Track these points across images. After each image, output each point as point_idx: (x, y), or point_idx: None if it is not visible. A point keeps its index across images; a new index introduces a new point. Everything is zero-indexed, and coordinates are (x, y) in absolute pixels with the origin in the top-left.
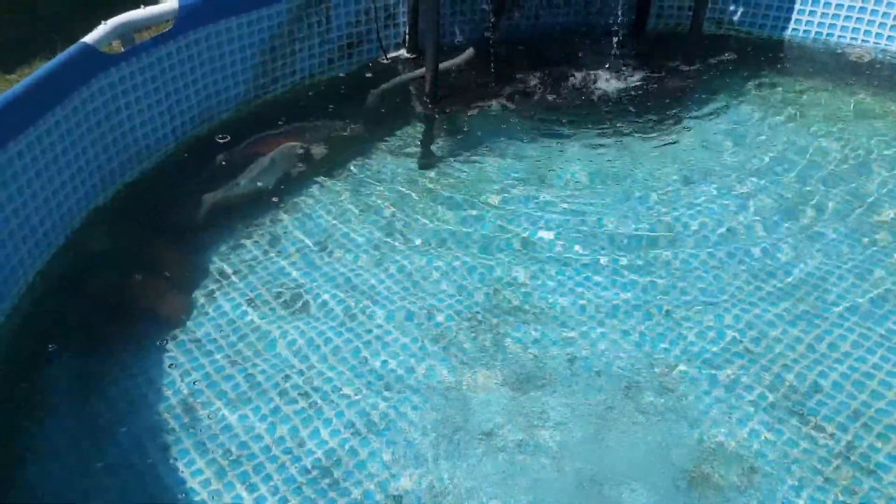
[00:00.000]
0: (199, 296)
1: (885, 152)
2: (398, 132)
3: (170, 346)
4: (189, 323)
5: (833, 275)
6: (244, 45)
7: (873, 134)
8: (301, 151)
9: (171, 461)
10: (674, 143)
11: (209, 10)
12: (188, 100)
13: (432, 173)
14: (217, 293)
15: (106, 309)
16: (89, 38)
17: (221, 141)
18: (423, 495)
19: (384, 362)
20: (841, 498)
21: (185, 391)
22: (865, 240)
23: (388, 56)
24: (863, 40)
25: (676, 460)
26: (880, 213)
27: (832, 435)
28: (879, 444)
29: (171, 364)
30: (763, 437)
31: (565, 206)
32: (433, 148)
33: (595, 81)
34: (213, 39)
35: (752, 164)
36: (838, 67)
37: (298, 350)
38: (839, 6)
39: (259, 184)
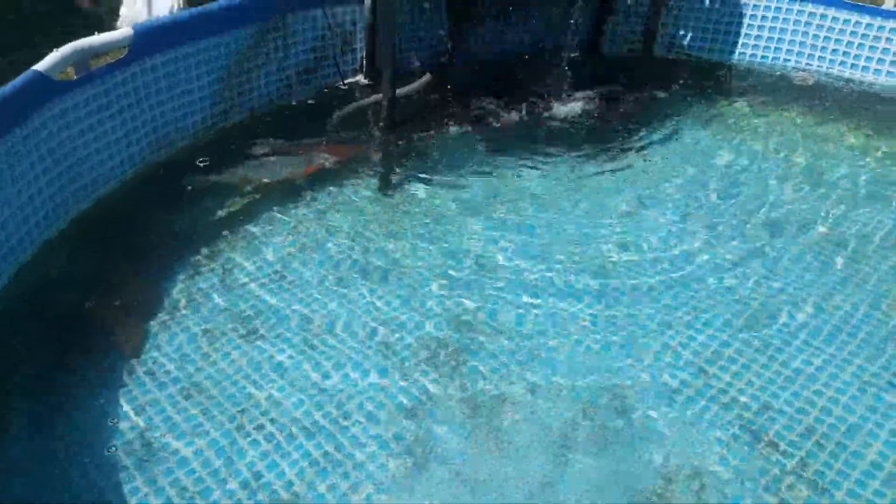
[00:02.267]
0: (155, 326)
1: (833, 173)
2: (356, 158)
3: (125, 378)
4: (144, 354)
5: (784, 294)
6: (201, 71)
7: (820, 155)
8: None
9: (124, 498)
10: (628, 164)
11: (165, 36)
12: (144, 127)
13: (390, 198)
14: (173, 323)
15: (59, 341)
16: (41, 66)
17: (203, 164)
18: None
19: (342, 391)
20: None
21: (141, 424)
22: (816, 260)
23: (346, 82)
24: (807, 64)
25: (634, 482)
26: (831, 233)
27: (785, 452)
28: (832, 461)
29: (126, 397)
30: (719, 457)
31: (522, 228)
32: (391, 172)
33: (550, 105)
34: (169, 66)
35: (703, 185)
36: (784, 91)
37: (255, 381)
38: (783, 31)
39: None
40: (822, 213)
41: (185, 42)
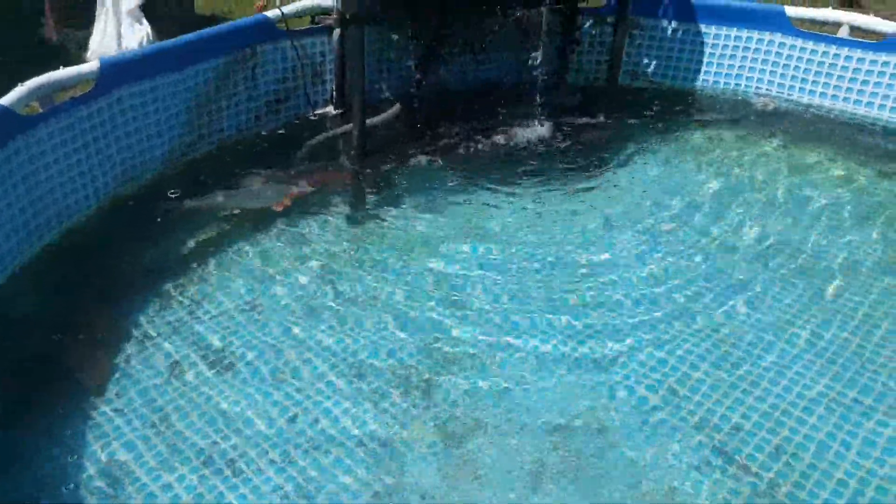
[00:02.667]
0: (122, 360)
1: (795, 195)
2: (327, 188)
3: (92, 413)
4: (112, 388)
5: (750, 316)
6: (169, 104)
7: (783, 178)
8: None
9: None
10: (595, 192)
11: (132, 69)
12: (111, 160)
13: (360, 229)
14: (141, 357)
15: (24, 376)
16: (5, 100)
17: (173, 196)
18: None
19: (314, 423)
20: None
21: (106, 461)
22: (781, 281)
23: (316, 112)
24: (766, 90)
25: None
26: (793, 254)
27: (756, 474)
28: (802, 481)
29: (94, 433)
30: (691, 480)
31: (493, 257)
32: (361, 203)
33: (519, 134)
34: (136, 99)
35: (670, 210)
36: (745, 116)
37: (225, 413)
38: (744, 58)
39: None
40: (787, 234)
41: (152, 75)
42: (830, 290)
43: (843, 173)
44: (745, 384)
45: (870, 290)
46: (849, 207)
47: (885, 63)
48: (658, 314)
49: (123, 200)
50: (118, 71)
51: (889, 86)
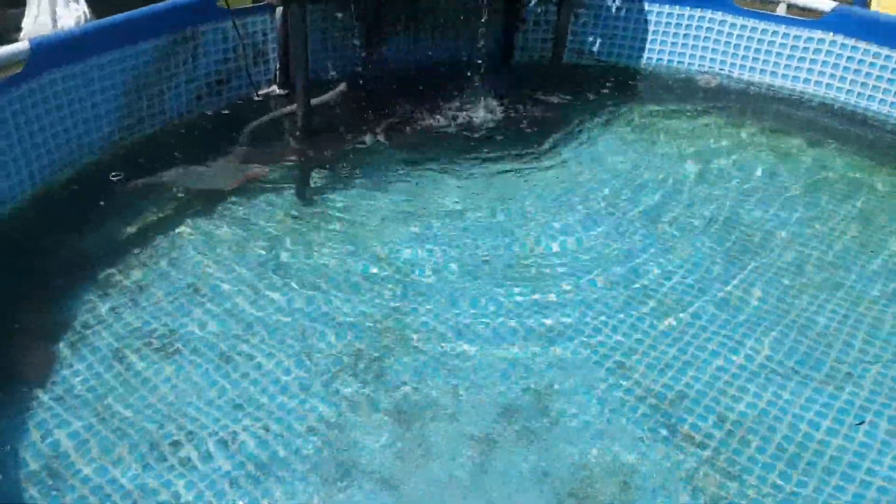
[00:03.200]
0: (63, 348)
1: (735, 168)
2: (273, 168)
3: (32, 404)
4: (53, 378)
5: (693, 288)
6: (105, 85)
7: (723, 152)
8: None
9: None
10: (541, 168)
11: (65, 50)
12: (45, 144)
13: (307, 209)
14: (83, 345)
15: None
16: None
17: (115, 179)
18: None
19: (261, 406)
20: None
21: (49, 453)
22: (722, 254)
23: (260, 93)
24: (709, 67)
25: (556, 481)
26: (734, 227)
27: (700, 443)
28: (742, 448)
29: (33, 423)
30: (636, 450)
31: (439, 235)
32: (308, 183)
33: (465, 113)
34: (70, 81)
35: (615, 185)
36: (689, 93)
37: (171, 400)
38: (687, 36)
39: None
40: (728, 208)
41: (85, 56)
42: (771, 262)
43: (780, 146)
44: (689, 356)
45: (807, 262)
46: (784, 179)
47: (821, 40)
48: (604, 288)
49: (62, 186)
50: (50, 51)
51: (825, 63)
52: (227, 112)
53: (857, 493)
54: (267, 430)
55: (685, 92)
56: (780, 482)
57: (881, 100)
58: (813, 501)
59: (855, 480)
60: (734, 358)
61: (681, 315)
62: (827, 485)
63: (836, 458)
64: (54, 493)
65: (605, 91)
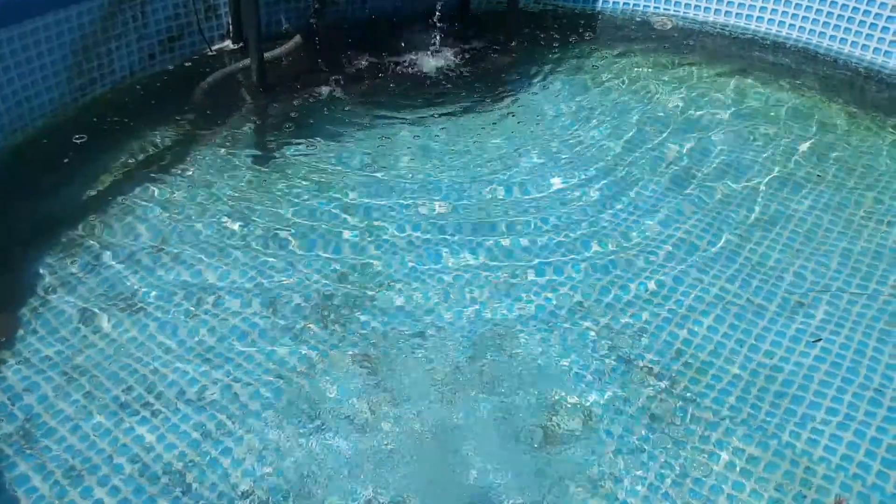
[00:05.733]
0: (27, 313)
1: (692, 110)
2: (229, 125)
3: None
4: (18, 342)
5: (649, 226)
6: (52, 46)
7: (682, 95)
8: None
9: (6, 489)
10: (500, 115)
11: (7, 11)
12: None
13: (267, 164)
14: (47, 308)
15: None
16: None
17: (72, 142)
18: (283, 485)
19: (230, 360)
20: (666, 430)
21: (20, 416)
22: (679, 190)
23: (213, 48)
24: (664, 9)
25: (521, 418)
26: (691, 166)
27: (658, 374)
28: (699, 377)
29: (2, 389)
30: (598, 386)
31: (401, 186)
32: (266, 138)
33: (423, 63)
34: (14, 43)
35: (575, 131)
36: (645, 35)
37: (138, 357)
38: None
39: None
40: (682, 147)
41: (27, 17)
42: (726, 198)
43: (733, 84)
44: (647, 292)
45: (757, 194)
46: (740, 117)
47: None
48: (565, 231)
49: (14, 150)
50: None
51: (777, 0)
52: (181, 69)
53: (805, 413)
54: (236, 381)
55: (642, 34)
56: (736, 405)
57: (831, 36)
58: (766, 423)
59: (804, 401)
60: (692, 292)
61: (639, 253)
62: (778, 408)
63: (787, 382)
64: (27, 452)
65: (562, 36)
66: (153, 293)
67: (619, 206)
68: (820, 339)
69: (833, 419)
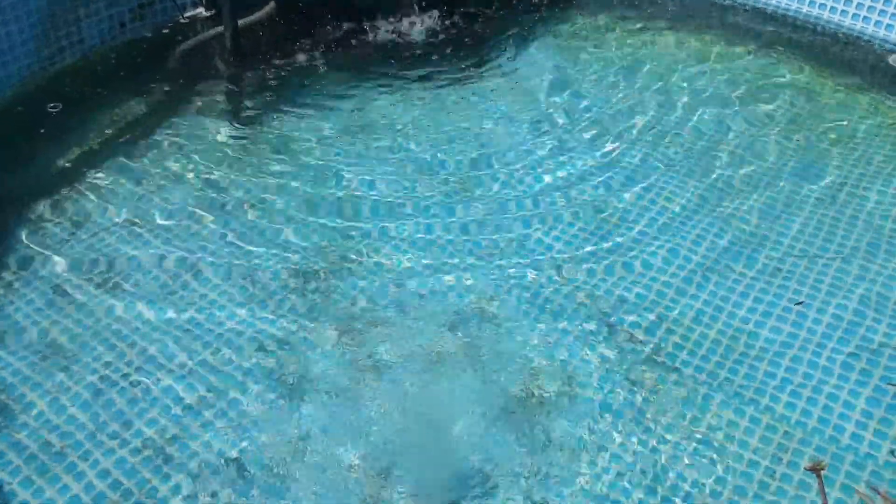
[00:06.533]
0: (1, 289)
1: (675, 77)
2: (205, 94)
3: None
4: None
5: (629, 196)
6: (17, 14)
7: (669, 65)
8: None
9: None
10: (483, 83)
11: None
12: None
13: (245, 133)
14: (21, 284)
15: None
16: None
17: (53, 111)
18: (262, 456)
19: (210, 331)
20: (647, 396)
21: None
22: (657, 160)
23: (186, 15)
24: None
25: (503, 385)
26: (673, 132)
27: (641, 341)
28: (681, 342)
29: None
30: (580, 353)
31: (382, 154)
32: (243, 107)
33: (401, 30)
34: None
35: (557, 99)
36: (630, 2)
37: (117, 331)
38: None
39: None
40: (665, 114)
41: None
42: (708, 166)
43: (720, 52)
44: (628, 259)
45: (742, 165)
46: (725, 86)
47: None
48: (546, 200)
49: None
50: None
51: None
52: (152, 37)
53: (784, 377)
54: (217, 352)
55: (627, 2)
56: (715, 371)
57: (832, 7)
58: (745, 387)
59: (782, 366)
60: (674, 259)
61: (620, 221)
62: (757, 370)
63: (765, 348)
64: (3, 430)
65: (543, 4)
66: (129, 267)
67: (598, 175)
68: (802, 303)
69: (809, 383)
